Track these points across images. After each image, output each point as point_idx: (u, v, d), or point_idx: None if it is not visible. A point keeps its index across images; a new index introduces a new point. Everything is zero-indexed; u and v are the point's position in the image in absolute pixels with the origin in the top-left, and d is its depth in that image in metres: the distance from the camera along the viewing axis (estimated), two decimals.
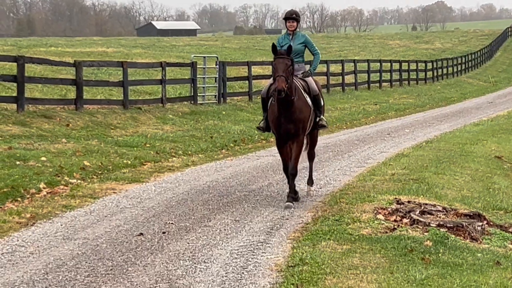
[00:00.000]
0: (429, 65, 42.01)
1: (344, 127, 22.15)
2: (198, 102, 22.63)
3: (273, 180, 12.07)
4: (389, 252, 7.46)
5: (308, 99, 10.12)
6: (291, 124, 9.75)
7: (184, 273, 6.82)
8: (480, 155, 15.46)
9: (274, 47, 9.70)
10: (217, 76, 23.92)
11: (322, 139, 16.70)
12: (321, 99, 10.63)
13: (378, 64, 35.89)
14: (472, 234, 8.28)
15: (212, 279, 6.69)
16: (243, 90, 25.73)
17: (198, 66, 23.08)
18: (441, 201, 9.98)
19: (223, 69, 24.02)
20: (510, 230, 8.68)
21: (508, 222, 9.11)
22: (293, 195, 10.04)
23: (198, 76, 22.98)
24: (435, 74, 42.67)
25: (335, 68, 34.47)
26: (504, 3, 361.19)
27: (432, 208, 9.19)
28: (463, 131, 20.52)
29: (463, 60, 48.32)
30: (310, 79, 10.52)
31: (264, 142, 17.60)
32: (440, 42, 68.81)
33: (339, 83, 33.18)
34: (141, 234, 8.33)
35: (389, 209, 9.20)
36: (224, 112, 22.06)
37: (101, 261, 7.19)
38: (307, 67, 10.96)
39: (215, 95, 23.94)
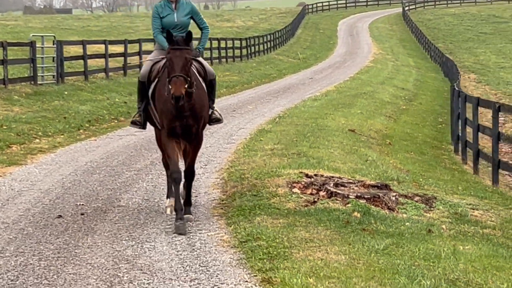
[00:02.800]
0: (244, 43, 42.54)
1: None
2: (38, 82, 21.59)
3: (153, 159, 11.63)
4: (328, 225, 7.39)
5: (205, 87, 7.93)
6: (191, 119, 7.52)
7: (136, 253, 6.58)
8: (335, 129, 15.91)
9: (169, 34, 7.30)
10: (55, 55, 22.95)
11: None
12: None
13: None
14: (389, 205, 8.42)
15: (169, 257, 6.44)
16: (80, 70, 24.60)
17: (37, 46, 21.88)
18: (339, 173, 10.05)
19: (60, 49, 23.15)
20: (415, 199, 8.92)
21: (409, 191, 9.33)
22: (182, 206, 7.59)
23: (37, 56, 21.76)
24: (249, 51, 42.74)
25: (151, 47, 33.31)
26: None
27: (344, 181, 9.24)
28: (306, 106, 20.85)
29: (271, 38, 49.09)
30: (202, 60, 8.40)
31: (117, 121, 17.53)
32: (241, 20, 69.70)
33: None
34: (60, 216, 7.98)
35: (302, 183, 9.06)
36: (66, 92, 21.00)
37: (42, 245, 6.84)
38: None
39: (54, 75, 22.93)
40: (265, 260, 6.19)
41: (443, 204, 8.92)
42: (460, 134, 17.18)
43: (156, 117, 7.88)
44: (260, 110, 20.30)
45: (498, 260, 6.49)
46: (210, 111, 8.14)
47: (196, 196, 8.94)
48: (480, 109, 16.10)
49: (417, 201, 8.88)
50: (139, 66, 19.49)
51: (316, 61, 45.22)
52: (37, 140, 13.90)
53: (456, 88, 20.13)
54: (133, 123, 8.29)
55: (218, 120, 8.37)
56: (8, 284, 5.69)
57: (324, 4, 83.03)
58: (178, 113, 7.35)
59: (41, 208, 8.40)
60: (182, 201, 7.64)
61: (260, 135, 14.34)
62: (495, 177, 12.89)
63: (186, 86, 7.07)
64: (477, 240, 7.31)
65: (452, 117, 19.68)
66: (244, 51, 42.24)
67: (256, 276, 5.88)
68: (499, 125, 15.19)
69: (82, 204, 8.57)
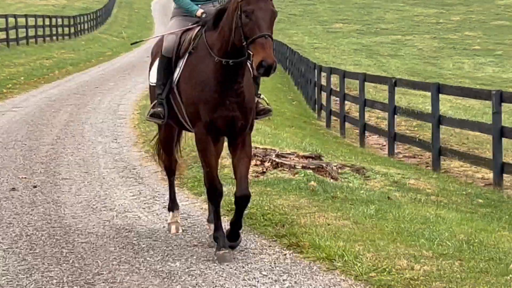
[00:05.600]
0: (72, 21, 42.68)
1: (42, 82, 21.07)
2: None
3: (55, 135, 11.47)
4: (299, 193, 7.37)
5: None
6: (238, 111, 5.36)
7: (119, 221, 6.58)
8: None
9: None
10: None
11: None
12: None
13: (24, 19, 33.69)
14: (332, 174, 8.58)
15: (153, 227, 6.41)
16: None
17: None
18: (269, 145, 10.04)
19: None
20: (346, 169, 9.09)
21: (338, 162, 9.53)
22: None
23: None
24: (76, 29, 42.84)
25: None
26: None
27: (283, 152, 9.26)
28: None
29: (94, 16, 49.31)
30: None
31: None
32: None
33: (3, 39, 30.71)
34: (14, 189, 7.86)
35: None
36: None
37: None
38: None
39: None
40: (274, 226, 6.07)
41: (375, 173, 9.24)
42: (322, 103, 19.97)
43: (180, 107, 5.69)
44: (124, 86, 20.05)
45: (478, 224, 6.81)
46: (256, 99, 5.80)
47: (135, 168, 9.08)
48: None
49: (351, 171, 9.10)
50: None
51: (140, 39, 45.19)
52: None
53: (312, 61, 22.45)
54: (153, 115, 5.87)
55: (267, 112, 5.93)
56: None
57: None
58: (221, 99, 5.31)
59: None
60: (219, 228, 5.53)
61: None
62: (361, 140, 14.93)
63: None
64: (437, 206, 7.63)
65: (313, 88, 22.54)
66: (72, 29, 42.12)
67: (276, 241, 5.78)
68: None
69: (25, 177, 8.44)
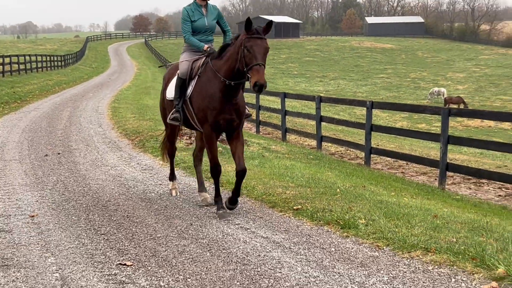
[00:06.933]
0: (62, 58, 57.73)
1: (49, 94, 31.03)
2: None
3: (64, 125, 17.17)
4: (255, 160, 10.87)
5: None
6: (235, 114, 7.18)
7: (113, 172, 10.31)
8: (152, 106, 22.30)
9: (249, 21, 6.70)
10: None
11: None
12: None
13: (35, 57, 47.37)
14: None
15: (133, 175, 9.99)
16: None
17: None
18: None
19: None
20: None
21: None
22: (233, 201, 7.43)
23: None
24: (65, 63, 58.12)
25: None
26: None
27: None
28: (124, 93, 29.70)
29: (75, 56, 67.38)
30: None
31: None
32: (50, 45, 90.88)
33: (22, 68, 41.02)
34: (47, 155, 12.15)
35: (179, 133, 12.88)
36: None
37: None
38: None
39: None
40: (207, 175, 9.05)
41: (252, 143, 13.84)
42: None
43: (191, 114, 7.45)
44: (98, 96, 28.73)
45: (314, 168, 10.53)
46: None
47: (116, 142, 13.69)
48: None
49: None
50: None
51: (103, 69, 58.28)
52: None
53: None
54: (173, 119, 7.73)
55: (249, 116, 7.65)
56: None
57: (97, 36, 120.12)
58: (224, 107, 7.08)
59: (27, 152, 12.70)
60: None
61: (117, 110, 20.03)
62: None
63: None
64: (290, 160, 11.56)
65: None
66: (63, 63, 57.21)
67: (206, 180, 8.92)
68: None
69: (51, 148, 12.94)
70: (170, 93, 7.87)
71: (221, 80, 6.94)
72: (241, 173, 7.05)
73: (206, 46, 7.59)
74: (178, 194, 8.46)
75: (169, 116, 7.75)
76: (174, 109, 7.66)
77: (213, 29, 7.90)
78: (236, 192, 7.20)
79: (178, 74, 7.67)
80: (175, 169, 9.11)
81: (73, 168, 10.54)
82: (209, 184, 8.49)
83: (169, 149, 8.83)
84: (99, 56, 78.07)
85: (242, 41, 6.67)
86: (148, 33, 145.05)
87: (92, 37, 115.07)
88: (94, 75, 51.06)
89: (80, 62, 66.50)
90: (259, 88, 6.36)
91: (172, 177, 8.70)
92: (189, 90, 7.43)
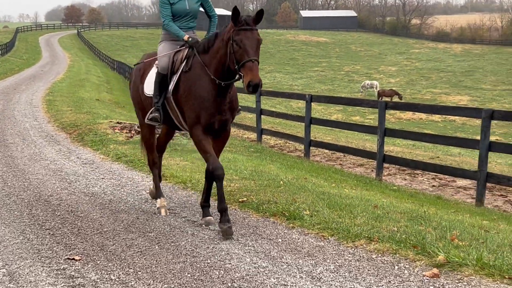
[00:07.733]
0: None
1: None
2: None
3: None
4: (198, 153, 10.62)
5: None
6: (229, 113, 6.45)
7: (52, 166, 10.20)
8: (88, 98, 22.42)
9: (236, 11, 5.83)
10: None
11: None
12: None
13: None
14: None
15: (74, 169, 10.02)
16: None
17: None
18: (125, 119, 14.40)
19: None
20: (177, 134, 13.63)
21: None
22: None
23: None
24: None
25: None
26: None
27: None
28: (58, 86, 28.81)
29: (5, 47, 64.19)
30: None
31: None
32: None
33: None
34: None
35: (118, 127, 12.85)
36: None
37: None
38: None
39: None
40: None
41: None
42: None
43: (175, 112, 6.64)
44: (31, 88, 27.29)
45: (256, 161, 10.92)
46: None
47: (53, 136, 12.87)
48: None
49: (180, 135, 13.03)
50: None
51: (35, 60, 56.32)
52: None
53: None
54: (152, 119, 6.81)
55: (239, 110, 6.83)
56: None
57: (27, 26, 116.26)
58: (218, 108, 6.25)
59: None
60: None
61: (53, 103, 19.42)
62: None
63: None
64: (232, 153, 11.69)
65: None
66: None
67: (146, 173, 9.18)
68: None
69: None
70: (149, 88, 6.94)
71: (211, 77, 6.14)
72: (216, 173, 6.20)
73: (186, 35, 6.64)
74: (168, 214, 7.11)
75: (147, 116, 6.82)
76: (154, 108, 6.71)
77: (195, 13, 6.91)
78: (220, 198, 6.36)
79: (157, 69, 6.73)
80: (160, 183, 7.64)
81: (11, 162, 10.34)
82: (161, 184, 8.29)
83: (149, 157, 7.51)
84: (30, 47, 75.80)
85: (231, 35, 5.81)
86: (81, 24, 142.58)
87: (22, 28, 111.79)
88: (26, 67, 49.41)
89: (10, 54, 64.50)
90: (254, 88, 5.56)
91: (158, 194, 7.27)
92: (171, 86, 6.54)
